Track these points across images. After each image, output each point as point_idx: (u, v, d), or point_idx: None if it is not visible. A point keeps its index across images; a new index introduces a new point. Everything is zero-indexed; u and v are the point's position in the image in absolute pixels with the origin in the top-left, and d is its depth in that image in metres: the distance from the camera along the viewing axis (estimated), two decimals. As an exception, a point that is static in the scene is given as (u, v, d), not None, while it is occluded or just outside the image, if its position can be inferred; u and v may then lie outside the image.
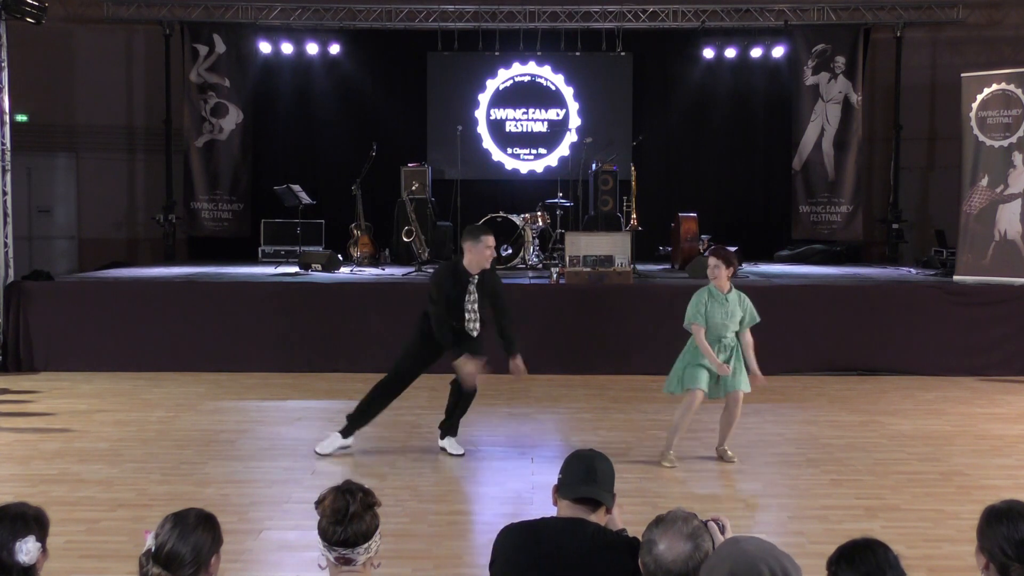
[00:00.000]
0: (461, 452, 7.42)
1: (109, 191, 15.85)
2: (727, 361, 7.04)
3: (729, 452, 7.28)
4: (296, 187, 13.50)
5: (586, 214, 14.06)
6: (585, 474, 3.37)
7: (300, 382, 10.13)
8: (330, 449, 7.30)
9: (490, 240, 7.16)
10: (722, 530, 3.00)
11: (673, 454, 7.18)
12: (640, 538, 2.81)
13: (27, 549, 2.85)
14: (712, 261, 7.11)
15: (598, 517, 3.35)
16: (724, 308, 7.00)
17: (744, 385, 7.11)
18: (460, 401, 7.42)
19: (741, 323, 7.08)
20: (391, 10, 14.88)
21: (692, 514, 2.80)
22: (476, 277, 7.12)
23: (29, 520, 2.92)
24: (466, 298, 7.11)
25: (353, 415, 7.37)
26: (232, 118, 15.12)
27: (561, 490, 3.39)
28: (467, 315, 7.12)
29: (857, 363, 10.69)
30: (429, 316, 7.18)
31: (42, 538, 2.93)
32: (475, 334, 7.19)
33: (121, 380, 10.11)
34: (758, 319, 7.16)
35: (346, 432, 7.36)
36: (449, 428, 7.50)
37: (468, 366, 7.04)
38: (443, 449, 7.46)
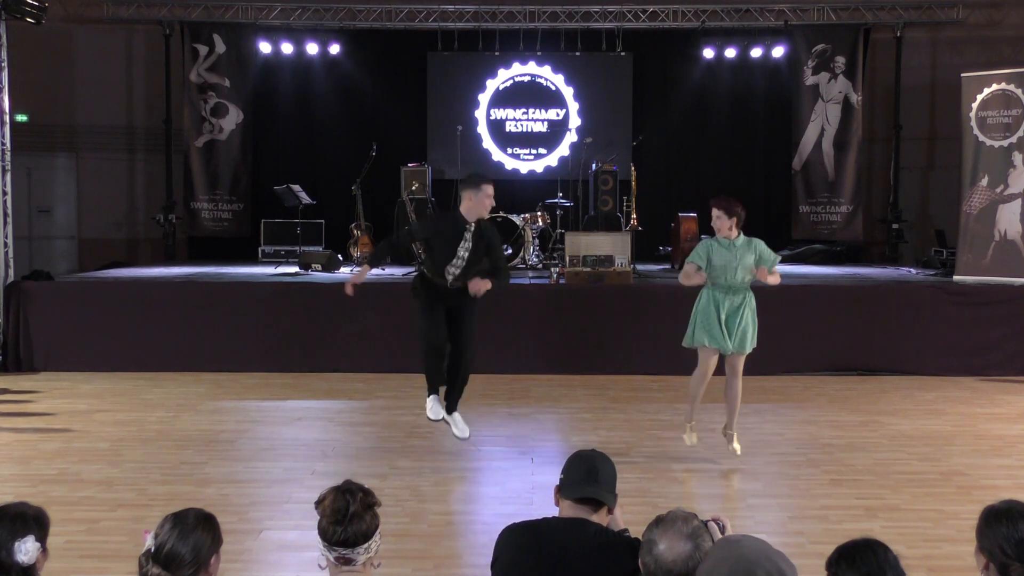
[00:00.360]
0: (466, 435, 7.30)
1: (109, 191, 15.85)
2: (736, 310, 6.93)
3: (736, 442, 7.15)
4: (296, 187, 13.50)
5: (586, 214, 14.06)
6: (587, 474, 3.38)
7: (300, 382, 10.13)
8: (436, 415, 7.27)
9: (489, 189, 7.02)
10: (722, 530, 3.00)
11: (693, 428, 7.20)
12: (641, 538, 2.81)
13: (26, 549, 2.85)
14: (714, 212, 7.00)
15: (600, 517, 3.36)
16: (731, 252, 6.90)
17: (747, 346, 6.99)
18: (452, 366, 7.25)
19: (758, 264, 6.93)
20: (391, 10, 14.88)
21: (692, 514, 2.80)
22: (472, 225, 6.99)
23: (29, 520, 2.92)
24: (460, 244, 6.97)
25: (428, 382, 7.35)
26: (232, 118, 15.12)
27: (563, 490, 3.40)
28: (456, 260, 6.97)
29: (857, 363, 10.69)
30: (419, 273, 7.24)
31: (42, 538, 2.93)
32: (450, 281, 7.02)
33: (121, 380, 10.11)
34: (777, 257, 7.03)
35: (430, 390, 7.30)
36: (450, 397, 7.34)
37: (356, 278, 7.09)
38: (445, 422, 7.35)
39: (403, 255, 13.59)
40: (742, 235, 7.01)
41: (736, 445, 7.19)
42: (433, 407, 7.30)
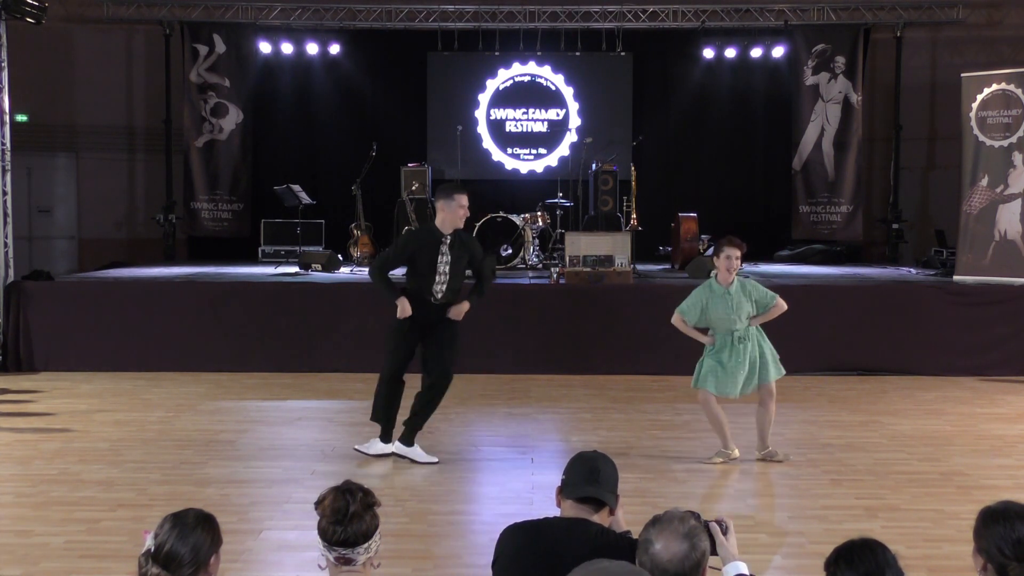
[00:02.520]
0: (435, 460, 7.11)
1: (109, 191, 15.85)
2: (747, 353, 6.94)
3: (779, 453, 7.16)
4: (296, 187, 13.50)
5: (586, 214, 14.06)
6: (588, 474, 3.39)
7: (300, 382, 10.13)
8: (372, 451, 7.18)
9: (463, 199, 6.95)
10: (725, 532, 3.00)
11: (727, 451, 7.16)
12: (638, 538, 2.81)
13: None
14: (735, 253, 7.00)
15: (601, 518, 3.36)
16: (727, 302, 6.95)
17: (773, 375, 7.03)
18: (427, 390, 7.10)
19: (758, 309, 7.01)
20: (391, 10, 14.88)
21: (689, 513, 2.80)
22: (448, 238, 6.94)
23: None
24: (439, 259, 6.93)
25: (378, 420, 7.23)
26: (232, 118, 15.12)
27: (564, 490, 3.40)
28: (438, 276, 6.94)
29: (857, 363, 10.69)
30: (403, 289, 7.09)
31: None
32: (438, 297, 6.99)
33: (121, 380, 10.11)
34: (772, 298, 7.02)
35: (383, 437, 7.21)
36: (412, 424, 7.15)
37: (404, 305, 6.92)
38: (399, 456, 7.15)
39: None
40: (736, 280, 7.03)
41: (780, 454, 7.16)
42: (371, 446, 7.18)
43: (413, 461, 7.11)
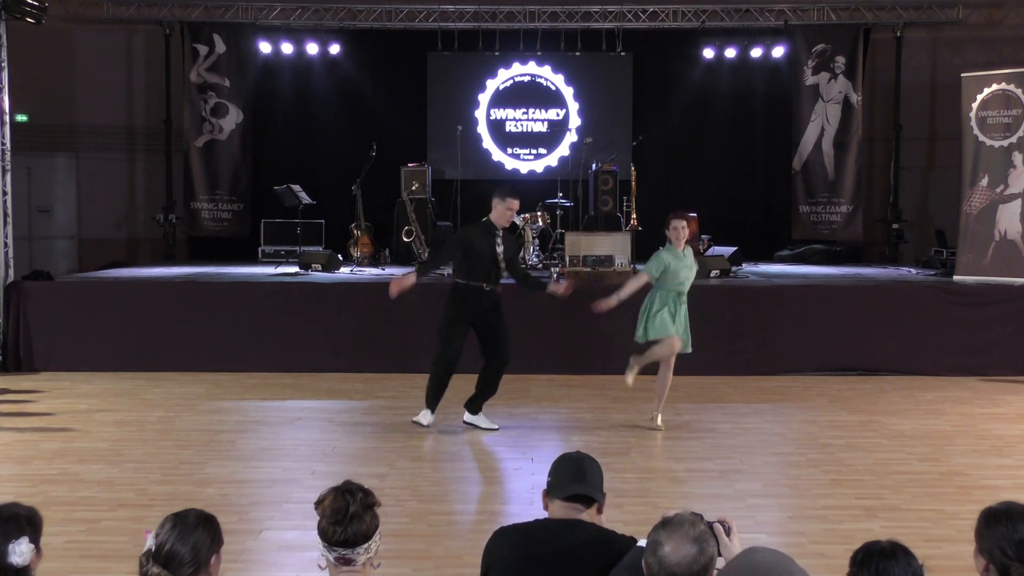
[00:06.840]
0: (496, 427, 8.02)
1: (109, 191, 15.85)
2: (677, 315, 7.83)
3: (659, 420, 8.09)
4: (296, 187, 13.50)
5: (586, 214, 14.06)
6: (575, 474, 3.39)
7: (300, 382, 10.13)
8: (425, 420, 7.90)
9: (514, 204, 7.87)
10: (727, 532, 3.00)
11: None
12: (634, 536, 2.80)
13: (20, 551, 2.86)
14: (679, 223, 7.88)
15: (589, 516, 3.36)
16: (682, 262, 7.84)
17: (687, 347, 7.92)
18: (489, 376, 7.98)
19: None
20: (391, 10, 14.89)
21: (699, 517, 2.80)
22: (501, 231, 7.83)
23: (22, 521, 2.92)
24: (497, 250, 7.77)
25: (430, 405, 7.96)
26: (232, 118, 15.12)
27: (552, 491, 3.40)
28: (499, 265, 7.79)
29: (857, 363, 10.68)
30: (455, 288, 7.86)
31: (35, 538, 2.93)
32: (487, 286, 7.79)
33: (121, 380, 10.11)
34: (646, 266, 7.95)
35: (430, 404, 7.95)
36: (477, 401, 8.07)
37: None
38: (471, 425, 8.03)
39: (404, 257, 13.69)
40: (687, 246, 7.97)
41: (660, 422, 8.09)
42: (425, 415, 7.94)
43: (478, 427, 8.02)
